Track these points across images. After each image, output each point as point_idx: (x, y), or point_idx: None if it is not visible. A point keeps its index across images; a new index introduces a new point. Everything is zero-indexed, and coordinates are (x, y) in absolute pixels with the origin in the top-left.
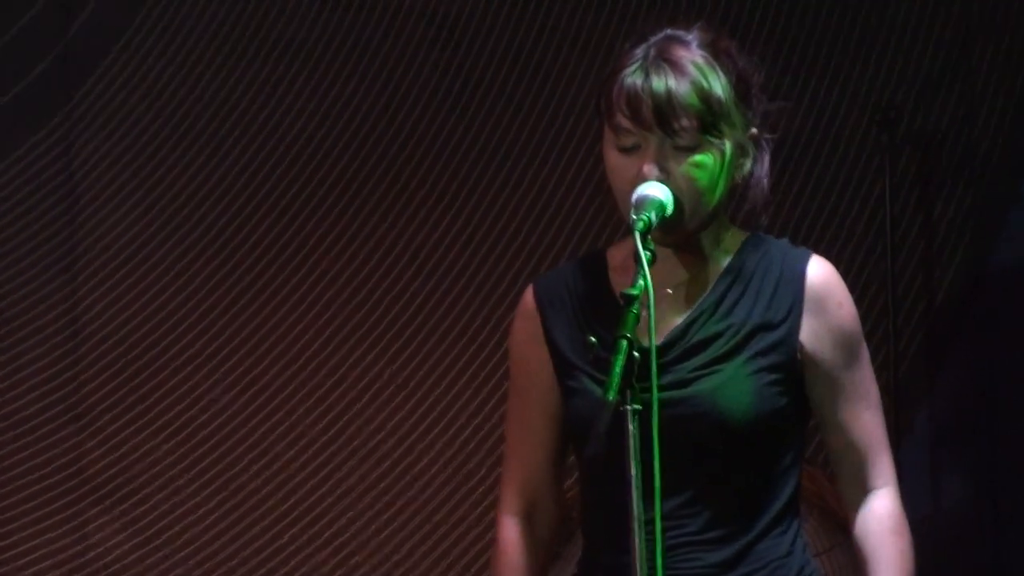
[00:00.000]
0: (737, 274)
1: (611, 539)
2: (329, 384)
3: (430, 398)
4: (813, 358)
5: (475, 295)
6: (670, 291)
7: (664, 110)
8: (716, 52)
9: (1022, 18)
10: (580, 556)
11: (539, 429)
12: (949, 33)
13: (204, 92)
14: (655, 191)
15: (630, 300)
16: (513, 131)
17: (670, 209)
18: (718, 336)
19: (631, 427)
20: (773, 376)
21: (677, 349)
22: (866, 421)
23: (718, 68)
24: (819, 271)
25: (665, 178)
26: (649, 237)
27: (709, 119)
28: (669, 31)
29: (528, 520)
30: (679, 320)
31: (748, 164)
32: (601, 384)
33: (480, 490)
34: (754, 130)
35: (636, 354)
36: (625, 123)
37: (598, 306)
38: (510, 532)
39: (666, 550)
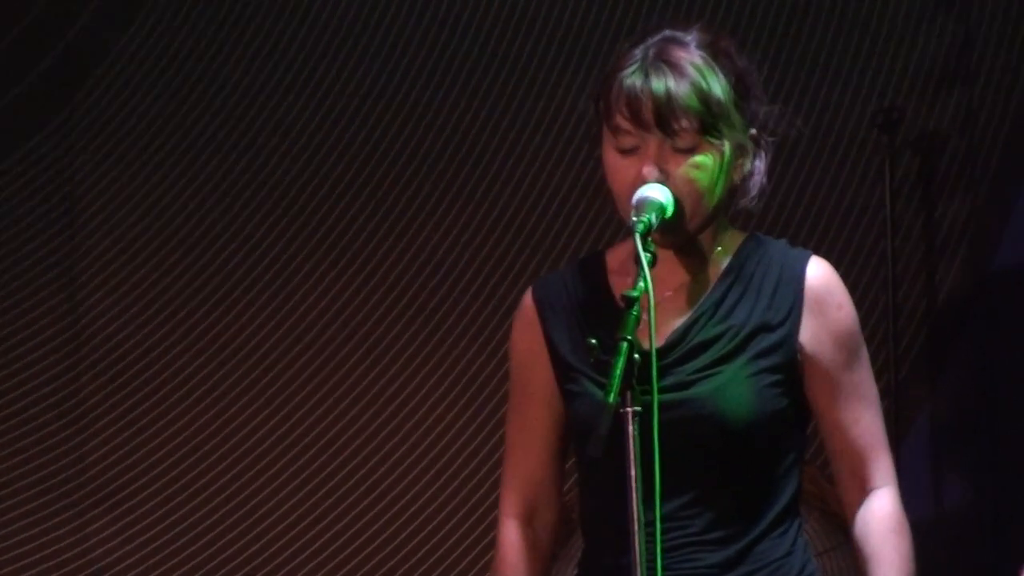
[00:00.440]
0: (737, 275)
1: (611, 541)
2: (329, 386)
3: (430, 400)
4: (813, 359)
5: (475, 297)
6: (670, 293)
7: (663, 111)
8: (715, 53)
9: (1023, 20)
10: (580, 558)
11: (539, 432)
12: (950, 35)
13: (204, 94)
14: (655, 193)
15: (630, 302)
16: (514, 131)
17: (670, 211)
18: (718, 338)
19: (632, 429)
20: (773, 377)
21: (677, 351)
22: (866, 422)
23: (717, 69)
24: (819, 272)
25: (664, 179)
26: (649, 239)
27: (708, 120)
28: (668, 32)
29: (529, 522)
30: (679, 322)
31: (748, 164)
32: (602, 387)
33: (481, 491)
34: (753, 131)
35: (636, 356)
36: (624, 124)
37: (598, 308)
38: (511, 534)
39: (667, 551)
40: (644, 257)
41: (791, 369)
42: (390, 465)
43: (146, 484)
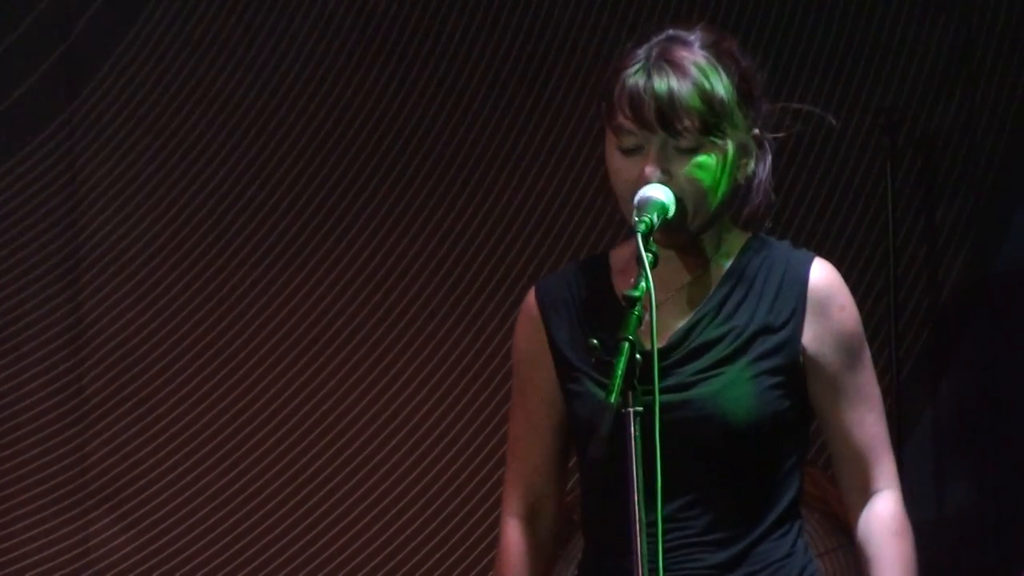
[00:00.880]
0: (739, 277)
1: (613, 541)
2: (331, 385)
3: (432, 399)
4: (815, 361)
5: (478, 295)
6: (672, 294)
7: (666, 111)
8: (718, 52)
9: (1023, 22)
10: (581, 558)
11: (542, 432)
12: (951, 37)
13: (206, 93)
14: (657, 193)
15: (632, 302)
16: (515, 132)
17: (672, 211)
18: (720, 339)
19: (633, 429)
20: (775, 379)
21: (679, 352)
22: (869, 424)
23: (720, 69)
24: (822, 274)
25: (667, 179)
26: (651, 239)
27: (711, 120)
28: (671, 31)
29: (531, 522)
30: (681, 323)
31: (751, 165)
32: (603, 387)
33: (483, 491)
34: (756, 131)
35: (638, 356)
36: (627, 124)
37: (600, 309)
38: (513, 534)
39: (667, 551)
40: (646, 257)
41: (793, 371)
42: (392, 465)
43: (148, 483)
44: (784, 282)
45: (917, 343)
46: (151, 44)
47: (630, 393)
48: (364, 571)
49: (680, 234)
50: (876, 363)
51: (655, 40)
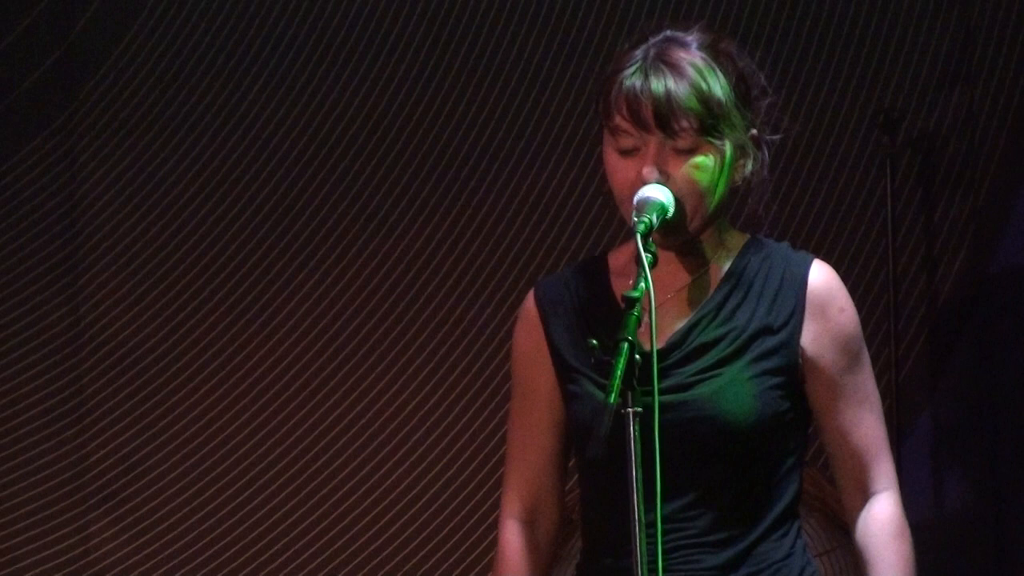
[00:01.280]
0: (739, 278)
1: (612, 541)
2: (330, 386)
3: (431, 400)
4: (814, 362)
5: (476, 297)
6: (671, 295)
7: (664, 112)
8: (716, 53)
9: (1023, 21)
10: (580, 559)
11: (541, 433)
12: (950, 36)
13: (206, 93)
14: (656, 193)
15: (631, 302)
16: (515, 132)
17: (671, 211)
18: (719, 340)
19: (632, 430)
20: (774, 380)
21: (678, 353)
22: (867, 425)
23: (718, 69)
24: (821, 275)
25: (665, 180)
26: (650, 239)
27: (709, 121)
28: (668, 32)
29: (530, 524)
30: (681, 324)
31: (749, 165)
32: (603, 388)
33: (481, 493)
34: (754, 131)
35: (637, 357)
36: (625, 125)
37: (599, 310)
38: (512, 536)
39: (667, 552)
40: (645, 257)
41: (792, 372)
42: (391, 466)
43: (148, 483)
44: (783, 283)
45: (916, 342)
46: (150, 45)
47: (629, 393)
48: (364, 571)
49: (679, 234)
50: (875, 363)
51: (652, 41)
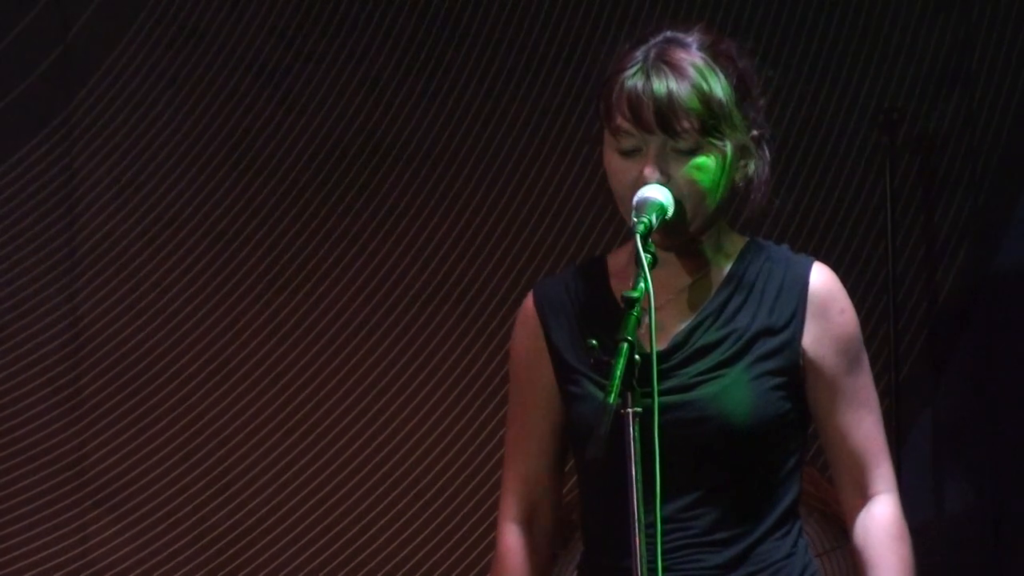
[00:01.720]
0: (740, 280)
1: (611, 542)
2: (330, 386)
3: (430, 402)
4: (815, 364)
5: (475, 298)
6: (672, 297)
7: (665, 112)
8: (716, 54)
9: (1023, 21)
10: (579, 560)
11: (539, 435)
12: (950, 36)
13: (205, 93)
14: (656, 194)
15: (631, 302)
16: (514, 132)
17: (671, 212)
18: (721, 342)
19: (632, 430)
20: (775, 381)
21: (679, 355)
22: (867, 427)
23: (718, 70)
24: (821, 278)
25: (666, 181)
26: (650, 240)
27: (710, 121)
28: (669, 33)
29: (528, 526)
30: (682, 326)
31: (750, 166)
32: (603, 388)
33: (480, 494)
34: (755, 132)
35: (637, 357)
36: (625, 125)
37: (599, 312)
38: (510, 538)
39: (667, 552)
40: (645, 258)
41: (793, 373)
42: (391, 466)
43: (147, 483)
44: (784, 285)
45: (916, 343)
46: (149, 45)
47: (629, 394)
48: (363, 571)
49: (679, 235)
50: (874, 363)
51: (653, 42)
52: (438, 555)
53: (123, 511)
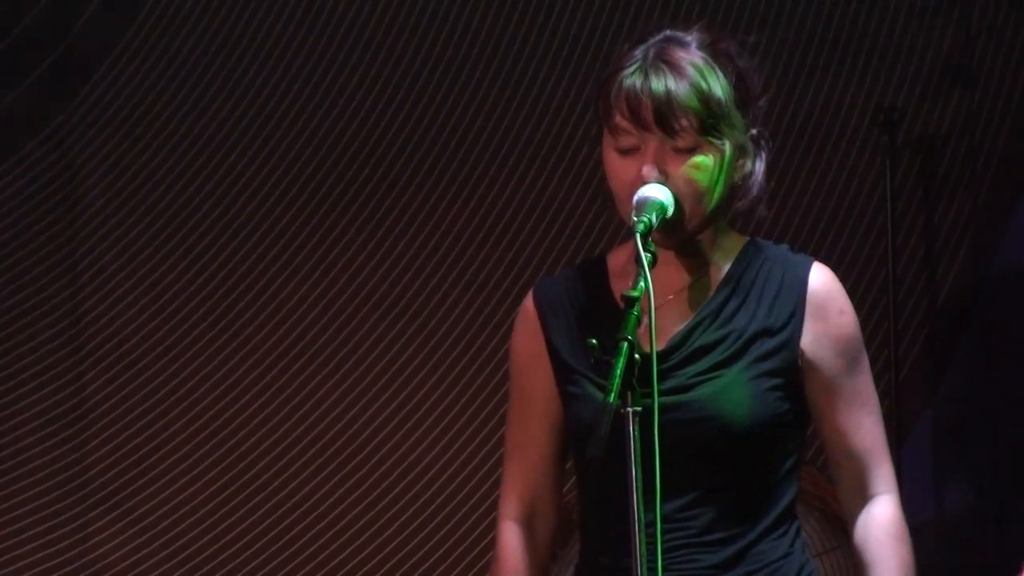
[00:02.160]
0: (739, 280)
1: (610, 541)
2: (330, 385)
3: (430, 400)
4: (814, 364)
5: (475, 297)
6: (671, 297)
7: (664, 110)
8: (715, 53)
9: (1023, 21)
10: (578, 559)
11: (539, 435)
12: (950, 36)
13: (204, 94)
14: (655, 193)
15: (630, 302)
16: (514, 133)
17: (671, 211)
18: (719, 342)
19: (632, 429)
20: (774, 381)
21: (678, 355)
22: (867, 428)
23: (717, 69)
24: (821, 278)
25: (664, 179)
26: (649, 239)
27: (709, 120)
28: (668, 32)
29: (528, 525)
30: (680, 326)
31: (748, 165)
32: (603, 388)
33: (479, 493)
34: (754, 131)
35: (637, 357)
36: (624, 124)
37: (598, 312)
38: (510, 537)
39: (666, 552)
40: (644, 257)
41: (792, 373)
42: (390, 466)
43: (148, 484)
44: (783, 285)
45: (916, 342)
46: (149, 44)
47: (629, 393)
48: (363, 571)
49: (678, 234)
50: (874, 363)
51: (652, 41)
52: (438, 554)
53: (123, 511)
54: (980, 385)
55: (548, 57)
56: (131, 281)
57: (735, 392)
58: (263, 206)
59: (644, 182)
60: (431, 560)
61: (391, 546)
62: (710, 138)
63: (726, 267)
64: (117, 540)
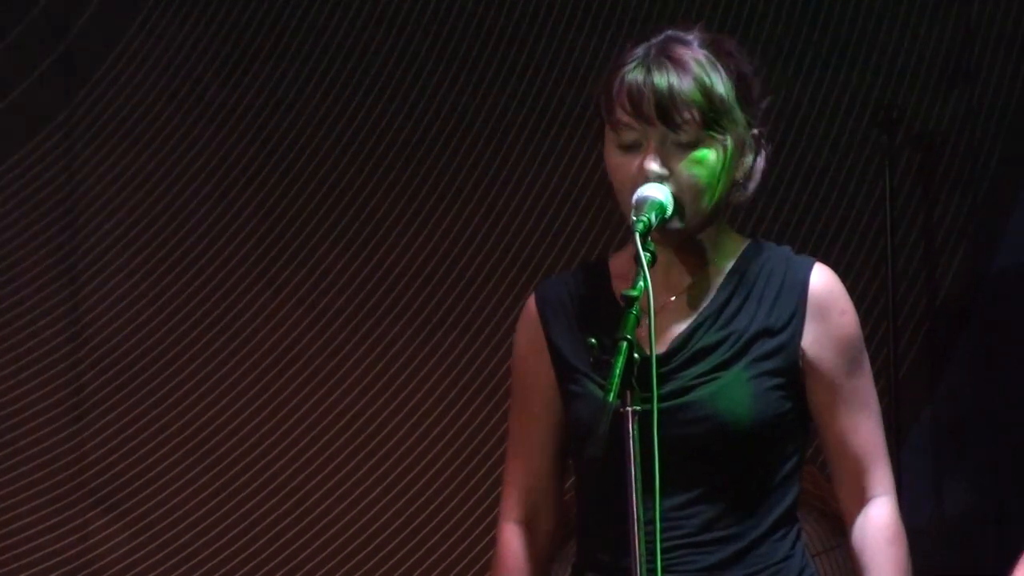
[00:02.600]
0: (740, 280)
1: (609, 540)
2: (329, 385)
3: (430, 400)
4: (814, 365)
5: (475, 298)
6: (672, 298)
7: (666, 103)
8: (717, 52)
9: (1022, 19)
10: (576, 559)
11: (540, 435)
12: (950, 34)
13: (204, 94)
14: (655, 192)
15: (630, 301)
16: (513, 132)
17: (670, 210)
18: (720, 344)
19: (631, 429)
20: (774, 381)
21: (679, 357)
22: (866, 429)
23: (720, 67)
24: (822, 279)
25: (666, 174)
26: (649, 238)
27: (711, 115)
28: (670, 31)
29: (529, 526)
30: (681, 328)
31: (749, 162)
32: (603, 388)
33: (479, 493)
34: (755, 130)
35: (636, 356)
36: (626, 119)
37: (600, 313)
38: (511, 538)
39: (665, 552)
40: (644, 257)
41: (793, 374)
42: (390, 466)
43: (147, 483)
44: (784, 285)
45: (915, 341)
46: (149, 44)
47: (628, 393)
48: (363, 571)
49: (678, 232)
50: (874, 362)
51: (654, 40)
52: (437, 554)
53: (122, 511)
54: (980, 385)
55: (548, 57)
56: (130, 281)
57: (735, 391)
58: (263, 206)
59: (646, 176)
60: (431, 560)
61: (391, 546)
62: (712, 132)
63: (727, 268)
64: (116, 540)
